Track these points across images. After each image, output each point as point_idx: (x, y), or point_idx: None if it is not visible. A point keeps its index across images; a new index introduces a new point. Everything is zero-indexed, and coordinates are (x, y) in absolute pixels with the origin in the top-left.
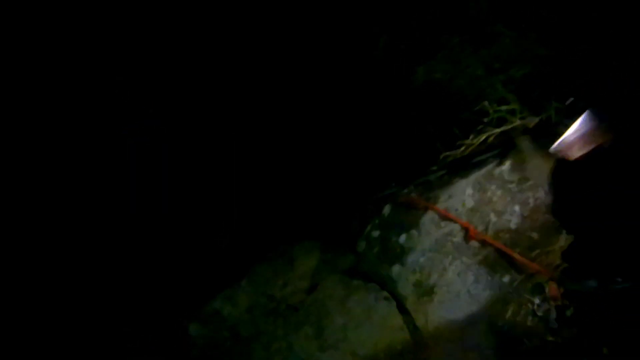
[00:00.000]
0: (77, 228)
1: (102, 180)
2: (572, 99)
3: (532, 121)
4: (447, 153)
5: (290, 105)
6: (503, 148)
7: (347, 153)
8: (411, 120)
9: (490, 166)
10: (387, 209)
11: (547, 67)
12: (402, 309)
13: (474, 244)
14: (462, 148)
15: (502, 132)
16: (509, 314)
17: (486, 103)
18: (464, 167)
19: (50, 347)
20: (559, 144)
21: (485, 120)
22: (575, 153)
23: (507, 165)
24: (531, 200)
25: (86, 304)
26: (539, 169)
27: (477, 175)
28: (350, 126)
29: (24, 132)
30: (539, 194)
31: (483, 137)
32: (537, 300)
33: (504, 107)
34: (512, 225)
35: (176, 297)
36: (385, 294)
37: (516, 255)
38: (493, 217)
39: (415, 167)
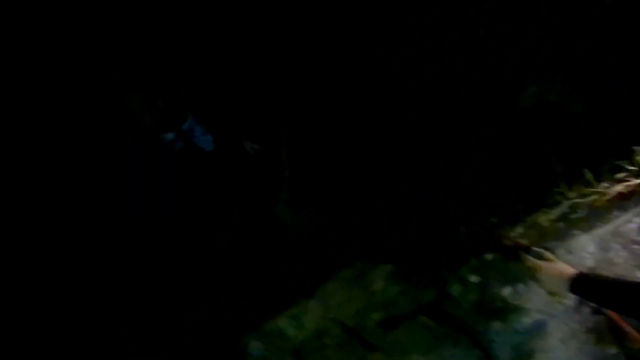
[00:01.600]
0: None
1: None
2: None
3: None
4: (576, 200)
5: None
6: (635, 202)
7: (448, 171)
8: (528, 149)
9: (617, 222)
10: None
11: None
12: None
13: (586, 309)
14: (594, 197)
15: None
16: None
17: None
18: (584, 218)
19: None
20: None
21: (629, 167)
22: None
23: (637, 222)
24: None
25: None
26: None
27: (602, 231)
28: (454, 143)
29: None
30: None
31: (620, 187)
32: None
33: None
34: None
35: (230, 309)
36: (477, 352)
37: (628, 327)
38: None
39: (527, 204)
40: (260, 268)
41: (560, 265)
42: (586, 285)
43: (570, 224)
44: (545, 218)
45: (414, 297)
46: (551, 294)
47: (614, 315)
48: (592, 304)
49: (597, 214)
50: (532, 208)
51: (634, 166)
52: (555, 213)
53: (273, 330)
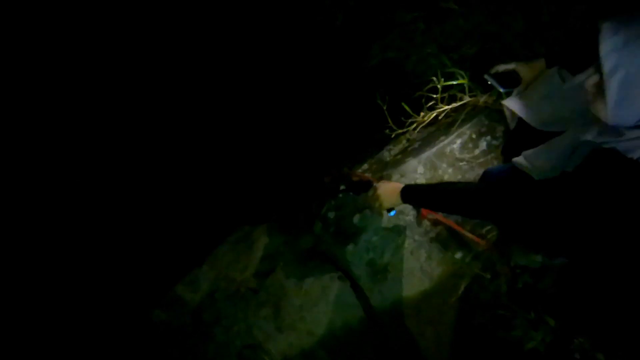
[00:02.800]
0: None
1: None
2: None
3: (482, 98)
4: (399, 131)
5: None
6: (454, 126)
7: (304, 132)
8: (367, 100)
9: (441, 144)
10: (341, 187)
11: (496, 44)
12: (357, 289)
13: (426, 222)
14: (414, 125)
15: (453, 110)
16: (461, 289)
17: (434, 78)
18: (417, 145)
19: None
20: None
21: (436, 96)
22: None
23: (457, 143)
24: None
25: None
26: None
27: (428, 154)
28: (306, 105)
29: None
30: None
31: (434, 114)
32: (488, 276)
33: (453, 83)
34: None
35: (140, 284)
36: (339, 273)
37: (467, 233)
38: None
39: (371, 146)
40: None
41: (391, 184)
42: (412, 194)
43: (405, 154)
44: (388, 154)
45: (295, 245)
46: (388, 210)
47: (452, 223)
48: (430, 217)
49: (426, 140)
50: (377, 148)
51: (437, 94)
52: (394, 148)
53: (172, 297)
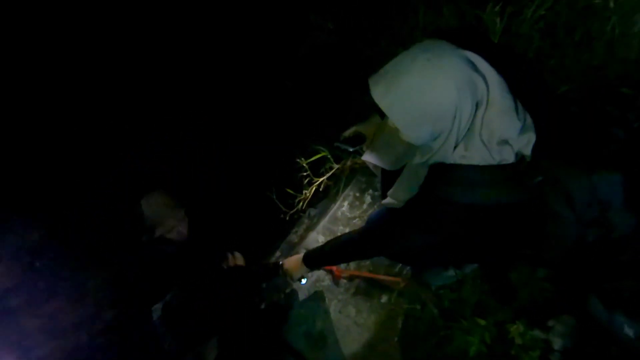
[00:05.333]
0: None
1: None
2: None
3: (348, 162)
4: (291, 211)
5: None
6: (338, 193)
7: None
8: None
9: (332, 211)
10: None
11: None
12: None
13: (343, 281)
14: (301, 203)
15: (329, 178)
16: (399, 327)
17: (298, 160)
18: (315, 220)
19: None
20: None
21: (307, 173)
22: None
23: (345, 205)
24: None
25: None
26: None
27: (324, 223)
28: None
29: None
30: None
31: (313, 187)
32: (417, 307)
33: (316, 157)
34: None
35: None
36: (286, 355)
37: (382, 277)
38: None
39: (277, 233)
40: None
41: (294, 257)
42: (311, 258)
43: (307, 230)
44: (295, 236)
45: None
46: (299, 280)
47: (365, 274)
48: (344, 275)
49: (321, 212)
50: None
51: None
52: (299, 228)
53: None
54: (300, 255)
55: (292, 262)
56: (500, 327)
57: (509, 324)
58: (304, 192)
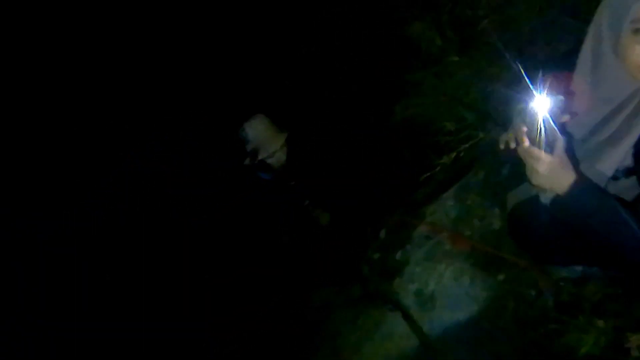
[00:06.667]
0: None
1: None
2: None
3: (497, 131)
4: (427, 174)
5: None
6: (476, 160)
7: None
8: (396, 153)
9: (465, 178)
10: (382, 233)
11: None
12: (408, 318)
13: (464, 249)
14: (438, 168)
15: (471, 146)
16: (509, 309)
17: (447, 123)
18: (445, 184)
19: None
20: None
21: (452, 139)
22: None
23: (481, 174)
24: None
25: None
26: None
27: (455, 188)
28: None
29: None
30: None
31: (454, 154)
32: (533, 293)
33: (466, 124)
34: (495, 227)
35: None
36: (389, 306)
37: (506, 254)
38: (477, 222)
39: (404, 192)
40: None
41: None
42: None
43: (435, 193)
44: (420, 195)
45: (345, 293)
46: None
47: (488, 248)
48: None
49: (451, 179)
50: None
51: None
52: (425, 190)
53: None
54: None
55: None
56: (619, 333)
57: (629, 333)
58: (443, 157)
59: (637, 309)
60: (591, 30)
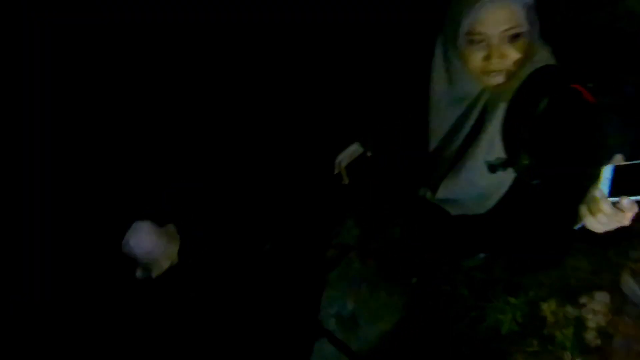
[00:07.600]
0: None
1: None
2: None
3: None
4: None
5: None
6: None
7: None
8: None
9: None
10: None
11: None
12: (335, 341)
13: (372, 262)
14: None
15: None
16: (430, 308)
17: None
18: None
19: None
20: None
21: None
22: None
23: None
24: None
25: None
26: None
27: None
28: None
29: None
30: None
31: None
32: (448, 288)
33: None
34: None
35: None
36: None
37: (412, 257)
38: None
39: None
40: None
41: None
42: None
43: None
44: None
45: None
46: None
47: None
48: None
49: None
50: None
51: None
52: None
53: None
54: None
55: None
56: (532, 305)
57: (541, 302)
58: None
59: (544, 278)
60: (439, 39)
